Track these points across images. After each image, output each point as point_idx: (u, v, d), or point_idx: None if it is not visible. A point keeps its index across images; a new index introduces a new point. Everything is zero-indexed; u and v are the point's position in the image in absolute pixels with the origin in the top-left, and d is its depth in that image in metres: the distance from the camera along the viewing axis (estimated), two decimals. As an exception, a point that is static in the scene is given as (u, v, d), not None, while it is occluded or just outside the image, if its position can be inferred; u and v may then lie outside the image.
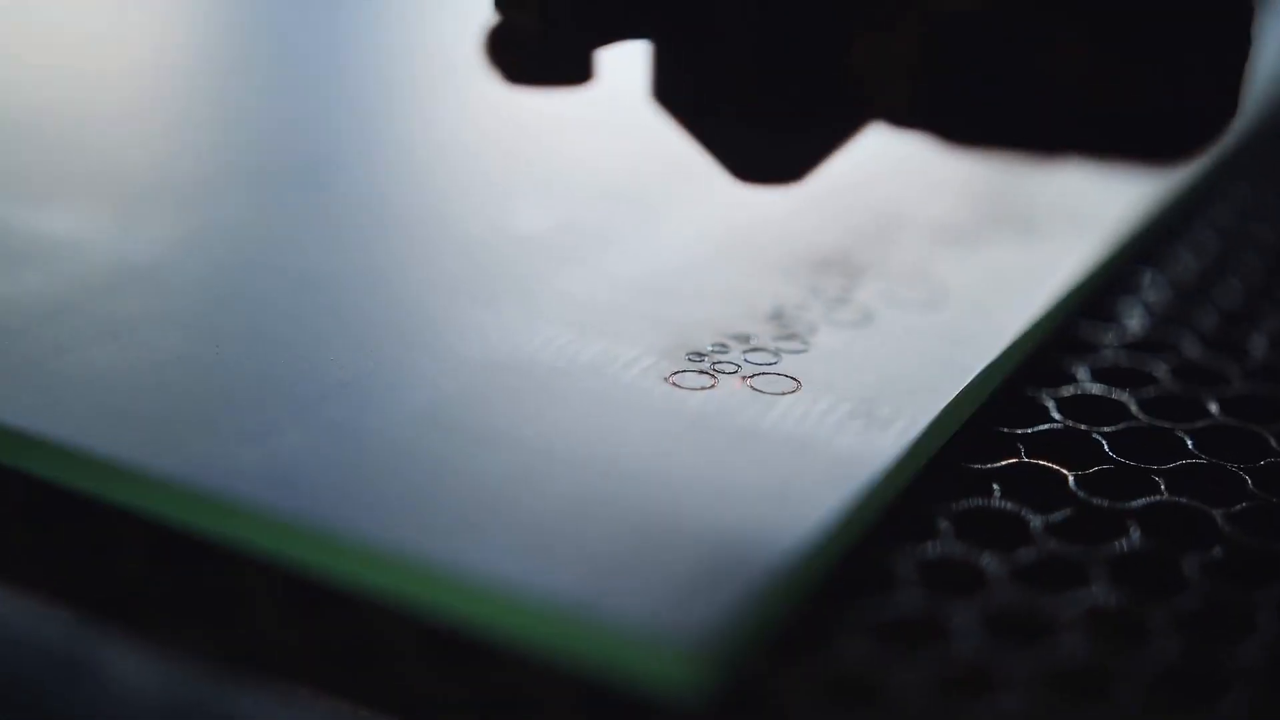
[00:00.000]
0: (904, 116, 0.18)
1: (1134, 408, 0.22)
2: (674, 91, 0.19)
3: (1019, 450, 0.21)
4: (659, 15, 0.19)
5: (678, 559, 0.17)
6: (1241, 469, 0.20)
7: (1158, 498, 0.20)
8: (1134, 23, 0.16)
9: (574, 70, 0.20)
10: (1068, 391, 0.22)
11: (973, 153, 0.18)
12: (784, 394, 0.21)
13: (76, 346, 0.21)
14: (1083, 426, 0.21)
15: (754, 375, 0.21)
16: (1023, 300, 0.24)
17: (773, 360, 0.22)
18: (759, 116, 0.19)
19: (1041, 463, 0.20)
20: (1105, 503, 0.20)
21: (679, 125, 0.20)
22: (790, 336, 0.22)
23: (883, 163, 0.29)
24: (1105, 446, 0.21)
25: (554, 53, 0.19)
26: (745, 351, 0.22)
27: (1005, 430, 0.21)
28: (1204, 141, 0.17)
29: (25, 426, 0.19)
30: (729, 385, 0.21)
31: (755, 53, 0.18)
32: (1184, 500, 0.20)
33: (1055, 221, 0.27)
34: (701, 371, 0.21)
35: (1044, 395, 0.22)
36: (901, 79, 0.17)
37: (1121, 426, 0.21)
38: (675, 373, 0.21)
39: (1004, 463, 0.20)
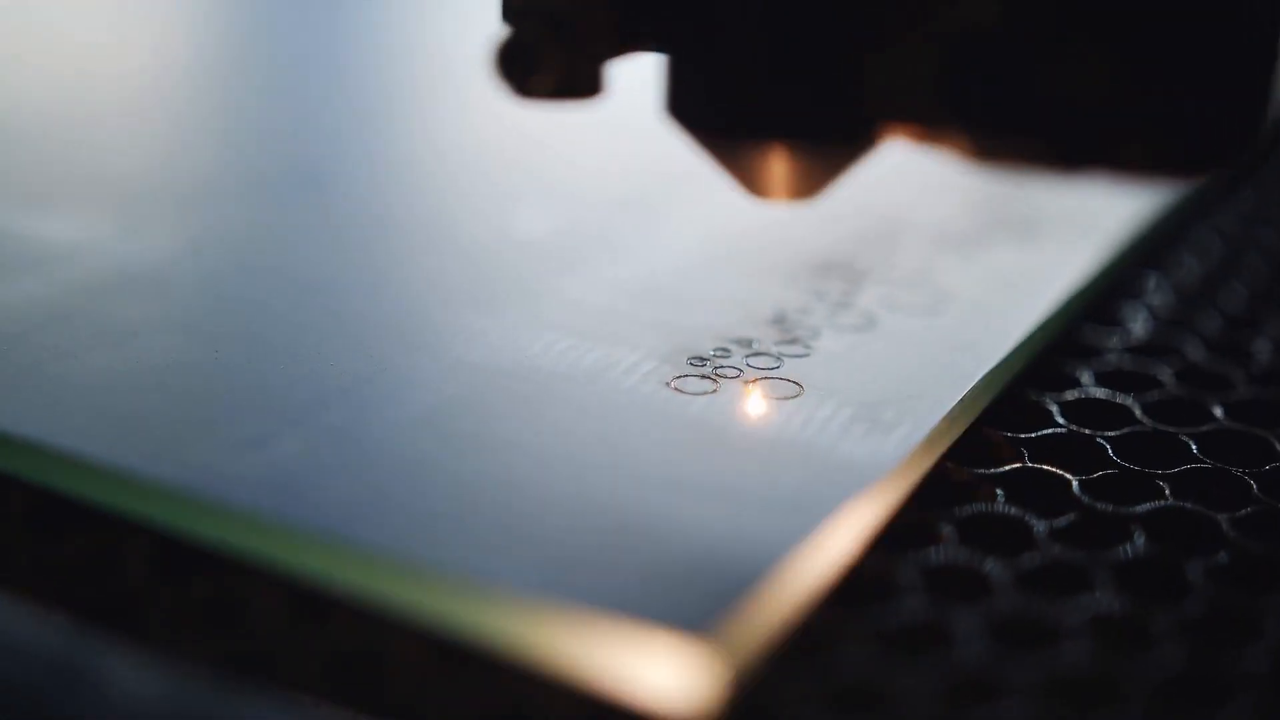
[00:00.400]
0: (922, 133, 0.18)
1: (1138, 412, 0.22)
2: (688, 107, 0.19)
3: (1023, 455, 0.21)
4: (671, 29, 0.19)
5: (679, 565, 0.17)
6: (1246, 474, 0.20)
7: (1162, 503, 0.20)
8: (1156, 37, 0.16)
9: (585, 83, 0.19)
10: (1071, 396, 0.22)
11: (993, 168, 0.18)
12: (786, 399, 0.21)
13: (76, 352, 0.21)
14: (1087, 431, 0.21)
15: (756, 380, 0.21)
16: (1026, 304, 0.24)
17: (775, 365, 0.22)
18: (774, 132, 0.19)
19: (1045, 467, 0.20)
20: (1109, 508, 0.19)
21: (693, 141, 0.19)
22: (792, 341, 0.22)
23: (885, 167, 0.29)
24: (1109, 451, 0.21)
25: (565, 66, 0.19)
26: (747, 356, 0.22)
27: (1009, 435, 0.21)
28: (1228, 155, 0.17)
29: (24, 432, 0.19)
30: (731, 390, 0.21)
31: (770, 67, 0.18)
32: (1189, 505, 0.20)
33: (1058, 225, 0.27)
34: (703, 376, 0.21)
35: (1048, 399, 0.22)
36: (919, 96, 0.17)
37: (1125, 431, 0.21)
38: (677, 377, 0.21)
39: (1007, 468, 0.20)
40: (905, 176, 0.29)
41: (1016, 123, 0.17)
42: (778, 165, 0.19)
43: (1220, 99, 0.17)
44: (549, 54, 0.19)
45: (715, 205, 0.27)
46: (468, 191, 0.29)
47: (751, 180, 0.19)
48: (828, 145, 0.19)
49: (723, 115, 0.19)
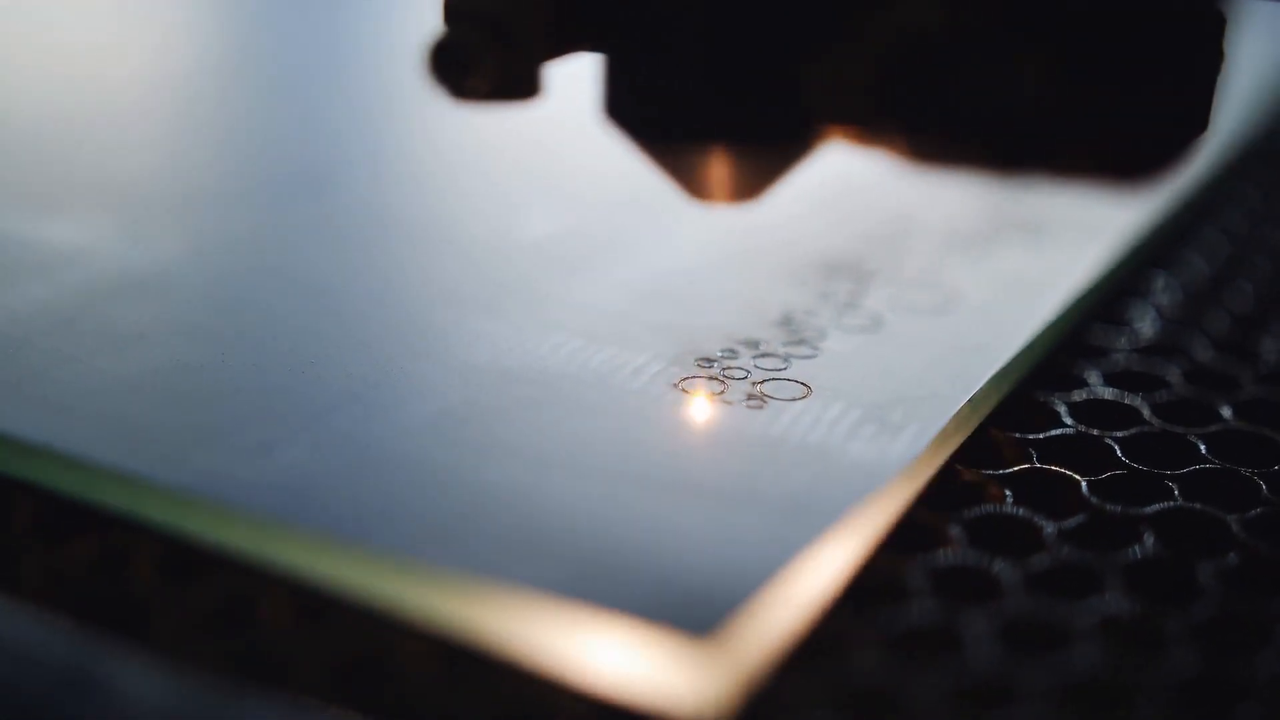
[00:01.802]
0: (864, 136, 0.18)
1: (1146, 412, 0.22)
2: (625, 109, 0.19)
3: (1031, 456, 0.21)
4: (609, 31, 0.18)
5: (687, 568, 0.17)
6: (1255, 474, 0.20)
7: (1171, 503, 0.20)
8: (1101, 39, 0.16)
9: (522, 87, 0.19)
10: (1079, 396, 0.22)
11: (934, 172, 0.17)
12: (794, 400, 0.21)
13: (82, 356, 0.21)
14: (1095, 431, 0.21)
15: (764, 381, 0.21)
16: (1033, 304, 0.24)
17: (782, 366, 0.22)
18: (713, 135, 0.18)
19: (1054, 468, 0.20)
20: (1118, 508, 0.19)
21: (630, 144, 0.19)
22: (800, 342, 0.22)
23: (891, 167, 0.29)
24: (1118, 451, 0.21)
25: (502, 69, 0.19)
26: (755, 357, 0.22)
27: (1017, 435, 0.21)
28: (1173, 159, 0.17)
29: (31, 437, 0.19)
30: (739, 391, 0.21)
31: (710, 70, 0.18)
32: (1198, 506, 0.20)
33: (1065, 226, 0.27)
34: (711, 378, 0.21)
35: (1056, 400, 0.22)
36: (861, 98, 0.17)
37: (1134, 431, 0.21)
38: (685, 379, 0.21)
39: (1016, 468, 0.20)
40: (912, 176, 0.29)
41: (957, 126, 0.17)
42: (716, 167, 0.19)
43: (1165, 103, 0.16)
44: (486, 55, 0.19)
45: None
46: (473, 194, 0.29)
47: (690, 183, 0.19)
48: (766, 147, 0.19)
49: (660, 117, 0.18)
